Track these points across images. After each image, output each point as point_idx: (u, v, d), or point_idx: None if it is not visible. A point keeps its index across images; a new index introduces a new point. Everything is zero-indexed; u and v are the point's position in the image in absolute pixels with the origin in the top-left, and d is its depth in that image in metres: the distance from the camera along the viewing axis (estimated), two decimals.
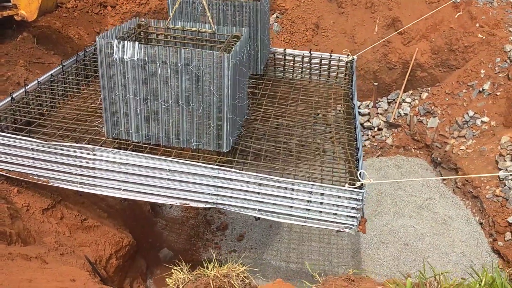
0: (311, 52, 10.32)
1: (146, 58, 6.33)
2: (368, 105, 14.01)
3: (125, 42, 6.34)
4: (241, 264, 4.84)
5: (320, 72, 10.50)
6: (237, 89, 6.70)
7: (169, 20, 7.40)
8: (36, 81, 8.45)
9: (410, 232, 10.61)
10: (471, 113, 12.29)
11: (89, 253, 7.56)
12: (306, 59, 10.43)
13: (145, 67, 6.38)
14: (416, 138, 13.23)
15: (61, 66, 8.91)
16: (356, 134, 7.67)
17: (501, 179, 10.70)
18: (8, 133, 6.94)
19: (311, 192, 6.23)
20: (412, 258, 9.92)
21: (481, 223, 10.81)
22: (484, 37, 12.74)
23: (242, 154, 7.04)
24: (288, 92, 9.64)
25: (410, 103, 13.60)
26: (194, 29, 7.41)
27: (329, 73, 10.36)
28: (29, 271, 5.94)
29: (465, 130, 12.27)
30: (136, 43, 6.34)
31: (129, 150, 6.60)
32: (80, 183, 6.65)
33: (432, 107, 13.13)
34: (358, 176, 6.39)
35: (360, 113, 13.72)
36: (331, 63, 10.39)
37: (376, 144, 13.48)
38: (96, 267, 7.37)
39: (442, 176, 12.33)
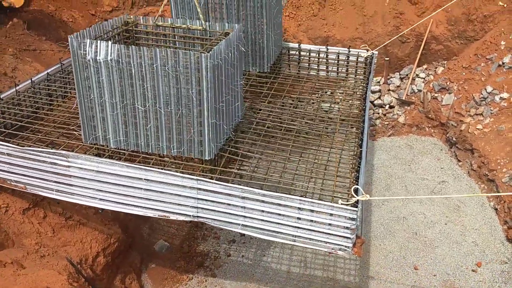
0: (328, 47, 9.66)
1: (120, 59, 5.88)
2: (379, 82, 13.25)
3: (98, 42, 5.88)
4: None
5: (338, 69, 9.91)
6: (222, 91, 6.19)
7: (157, 17, 6.91)
8: (29, 81, 8.20)
9: (419, 220, 10.11)
10: (489, 89, 11.44)
11: (74, 253, 7.39)
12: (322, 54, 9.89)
13: (120, 68, 5.94)
14: (430, 116, 12.49)
15: (60, 65, 8.70)
16: (362, 140, 7.04)
17: None
18: None
19: (300, 208, 5.69)
20: (420, 249, 9.46)
21: (496, 209, 10.22)
22: (505, 5, 11.71)
23: (230, 161, 6.59)
24: (295, 91, 9.08)
25: (424, 78, 12.79)
26: (183, 26, 6.90)
27: (347, 70, 9.74)
28: (1, 280, 5.78)
29: (483, 107, 11.47)
30: (110, 43, 5.88)
31: (106, 157, 6.25)
32: (57, 190, 6.39)
33: (448, 83, 12.30)
34: (353, 192, 5.74)
35: (371, 91, 13.02)
36: (350, 58, 9.81)
37: (387, 123, 12.81)
38: (81, 267, 7.20)
39: (457, 157, 11.68)
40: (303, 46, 10.10)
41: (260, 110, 8.21)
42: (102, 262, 7.82)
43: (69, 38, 5.96)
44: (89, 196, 6.25)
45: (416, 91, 12.76)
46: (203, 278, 8.92)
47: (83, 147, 6.62)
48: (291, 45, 10.24)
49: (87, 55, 5.90)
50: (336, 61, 10.02)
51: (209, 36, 6.98)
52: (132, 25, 7.28)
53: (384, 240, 9.73)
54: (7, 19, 10.67)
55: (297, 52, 10.12)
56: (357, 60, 9.87)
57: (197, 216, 5.99)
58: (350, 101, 9.11)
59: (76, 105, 6.46)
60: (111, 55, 5.81)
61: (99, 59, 5.86)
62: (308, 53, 10.05)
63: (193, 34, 7.13)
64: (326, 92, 10.11)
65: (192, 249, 9.49)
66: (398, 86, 13.07)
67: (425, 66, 12.98)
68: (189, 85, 5.87)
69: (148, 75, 5.91)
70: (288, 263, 9.22)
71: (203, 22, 6.89)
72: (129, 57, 5.83)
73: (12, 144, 6.42)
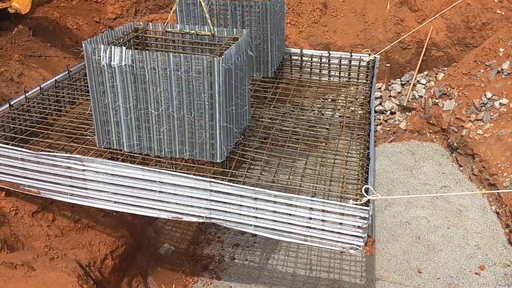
0: (330, 52, 9.81)
1: (134, 64, 5.98)
2: (380, 88, 13.42)
3: (112, 47, 5.98)
4: None
5: (340, 74, 10.01)
6: (233, 95, 6.31)
7: (167, 23, 7.02)
8: (38, 88, 8.29)
9: (422, 224, 10.22)
10: (489, 94, 11.65)
11: (82, 255, 7.42)
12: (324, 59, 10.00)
13: (133, 73, 6.04)
14: (431, 121, 12.66)
15: (67, 72, 8.81)
16: (369, 142, 7.17)
17: None
18: (1, 142, 6.75)
19: (311, 208, 5.80)
20: (423, 252, 9.56)
21: (497, 213, 10.35)
22: (503, 13, 11.94)
23: (240, 164, 6.69)
24: (300, 96, 9.19)
25: (425, 84, 12.98)
26: (192, 31, 7.01)
27: (349, 74, 9.86)
28: (13, 281, 5.82)
29: (483, 113, 11.66)
30: (123, 48, 5.98)
31: (120, 161, 6.33)
32: (71, 194, 6.45)
33: (448, 89, 12.49)
34: (364, 191, 5.88)
35: None
36: (352, 63, 9.90)
37: (388, 129, 12.97)
38: (90, 269, 7.24)
39: (458, 162, 11.82)
40: (305, 51, 10.21)
41: (266, 114, 8.33)
42: (110, 264, 7.86)
43: (83, 44, 6.05)
44: (104, 199, 6.32)
45: (417, 97, 12.94)
46: (208, 281, 8.98)
47: (97, 151, 6.70)
48: (293, 50, 10.35)
49: (101, 60, 6.00)
50: (338, 66, 10.14)
51: (217, 42, 7.09)
52: (142, 31, 7.39)
53: (388, 244, 9.83)
54: (12, 26, 10.76)
55: (299, 58, 10.22)
56: (359, 64, 9.99)
57: (210, 218, 6.08)
58: (354, 105, 9.25)
59: (90, 109, 6.54)
60: (125, 61, 5.91)
61: (113, 64, 5.96)
62: (310, 59, 10.16)
63: (201, 40, 7.24)
64: (329, 97, 10.23)
65: (197, 253, 9.55)
66: (399, 92, 13.25)
67: (426, 72, 13.17)
68: (201, 89, 5.97)
69: (161, 80, 6.01)
70: (294, 265, 9.29)
71: (211, 27, 6.99)
72: (143, 62, 5.93)
73: (27, 149, 6.49)
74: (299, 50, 10.16)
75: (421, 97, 12.88)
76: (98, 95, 6.25)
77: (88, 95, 8.73)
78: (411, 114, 12.94)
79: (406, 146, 12.67)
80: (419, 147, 12.62)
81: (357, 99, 9.45)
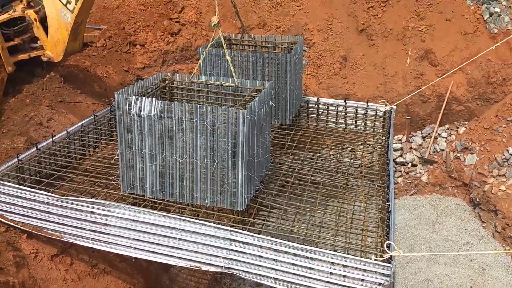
0: (346, 101, 9.94)
1: (163, 114, 6.19)
2: (400, 139, 13.43)
3: (143, 98, 6.22)
4: None
5: (356, 122, 10.08)
6: (254, 144, 6.42)
7: (193, 75, 7.32)
8: (65, 131, 8.52)
9: (444, 282, 9.91)
10: (511, 150, 11.54)
11: None
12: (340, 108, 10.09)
13: (161, 122, 6.24)
14: (453, 175, 12.53)
15: (93, 117, 9.07)
16: (388, 194, 7.14)
17: None
18: (27, 186, 6.92)
19: (332, 263, 5.70)
20: None
21: None
22: None
23: (258, 212, 6.71)
24: (318, 143, 9.27)
25: (446, 138, 12.95)
26: (217, 82, 7.28)
27: (365, 123, 9.93)
28: None
29: (505, 168, 11.51)
30: (153, 99, 6.21)
31: (142, 206, 6.42)
32: (92, 239, 6.51)
33: (470, 143, 12.43)
34: (386, 247, 5.76)
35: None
36: (368, 112, 9.97)
37: (410, 181, 12.86)
38: None
39: (481, 218, 11.58)
40: (322, 100, 10.33)
41: (284, 161, 8.39)
42: None
43: (115, 95, 6.31)
44: (125, 245, 6.35)
45: (439, 150, 12.89)
46: None
47: (120, 196, 6.81)
48: (311, 98, 10.49)
49: (132, 110, 6.22)
50: (355, 115, 10.21)
51: (240, 92, 7.30)
52: (169, 82, 7.66)
53: None
54: (44, 73, 11.23)
55: (316, 106, 10.35)
56: (376, 114, 10.05)
57: (229, 268, 6.03)
58: (372, 155, 9.26)
59: (117, 156, 6.71)
60: (154, 111, 6.12)
61: (143, 114, 6.17)
62: (327, 107, 10.27)
63: (225, 90, 7.46)
64: (347, 146, 10.26)
65: None
66: (420, 145, 13.23)
67: (446, 126, 13.17)
68: (225, 139, 6.10)
69: (187, 129, 6.17)
70: None
71: (235, 79, 7.21)
72: (171, 112, 6.12)
73: (51, 193, 6.63)
74: (316, 98, 10.31)
75: (442, 150, 12.82)
76: (126, 142, 6.43)
77: (112, 139, 9.01)
78: (433, 167, 12.84)
79: (428, 200, 12.48)
80: (441, 201, 12.43)
81: (375, 148, 9.47)
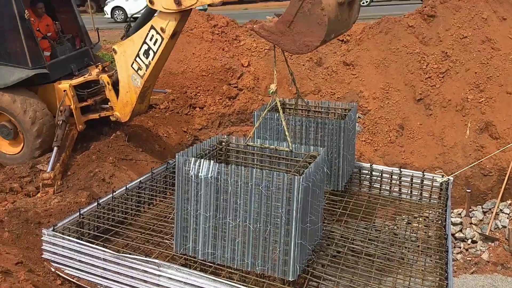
0: (401, 169, 9.78)
1: (219, 176, 6.34)
2: (460, 214, 12.87)
3: (201, 160, 6.44)
4: None
5: (411, 192, 9.82)
6: (308, 212, 6.40)
7: (249, 138, 7.52)
8: (124, 188, 8.83)
9: None
10: None
11: None
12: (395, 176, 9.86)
13: (217, 184, 6.38)
14: None
15: (150, 173, 9.33)
16: (447, 272, 6.79)
17: None
18: (85, 240, 7.17)
19: None
20: None
21: None
22: None
23: (310, 284, 6.54)
24: (372, 212, 9.06)
25: (508, 214, 12.29)
26: (272, 147, 7.42)
27: (421, 193, 9.65)
28: None
29: None
30: (212, 161, 6.40)
31: (193, 269, 6.45)
32: None
33: None
34: None
35: (451, 222, 12.60)
36: (424, 182, 9.69)
37: (469, 258, 12.16)
38: None
39: None
40: (375, 166, 10.15)
41: (336, 230, 8.21)
42: None
43: (176, 156, 6.58)
44: None
45: (501, 227, 12.22)
46: None
47: (172, 256, 6.89)
48: (364, 164, 10.33)
49: (190, 171, 6.43)
50: (410, 185, 9.93)
51: (295, 157, 7.36)
52: (226, 144, 7.90)
53: None
54: (111, 132, 11.93)
55: (369, 172, 10.18)
56: (432, 185, 9.73)
57: None
58: (430, 228, 8.88)
59: (173, 214, 6.86)
60: (211, 173, 6.30)
61: (200, 175, 6.35)
62: (380, 174, 10.12)
63: (279, 154, 7.56)
64: (402, 217, 9.94)
65: None
66: (481, 220, 12.60)
67: (509, 202, 12.54)
68: (279, 204, 6.12)
69: (242, 193, 6.26)
70: None
71: (290, 144, 7.29)
72: (227, 175, 6.27)
73: (108, 249, 6.83)
74: (369, 164, 10.17)
75: (505, 227, 12.14)
76: (182, 202, 6.59)
77: (165, 197, 9.23)
78: (495, 245, 12.13)
79: (489, 280, 11.70)
80: (503, 282, 11.60)
81: (432, 221, 9.11)
